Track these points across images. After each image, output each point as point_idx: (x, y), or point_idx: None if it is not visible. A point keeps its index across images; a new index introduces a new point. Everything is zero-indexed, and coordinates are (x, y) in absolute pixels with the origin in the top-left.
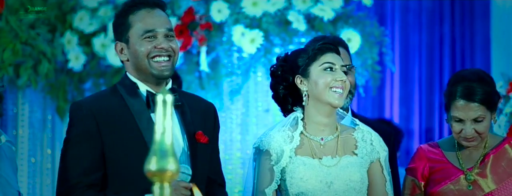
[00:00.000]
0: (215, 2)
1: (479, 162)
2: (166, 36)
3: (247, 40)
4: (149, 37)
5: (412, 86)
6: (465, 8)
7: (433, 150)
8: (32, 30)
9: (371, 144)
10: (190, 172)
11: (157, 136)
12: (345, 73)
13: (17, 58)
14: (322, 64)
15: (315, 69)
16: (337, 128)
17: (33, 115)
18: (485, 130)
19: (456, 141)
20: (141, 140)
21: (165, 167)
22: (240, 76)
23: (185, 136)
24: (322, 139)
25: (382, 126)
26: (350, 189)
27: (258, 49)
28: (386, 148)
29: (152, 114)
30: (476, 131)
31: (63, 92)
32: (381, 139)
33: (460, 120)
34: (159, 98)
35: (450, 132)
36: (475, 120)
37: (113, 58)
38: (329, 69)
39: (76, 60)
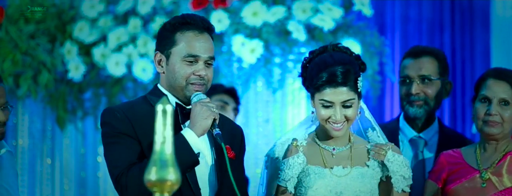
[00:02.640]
0: (215, 12)
1: (496, 162)
2: (206, 62)
3: (247, 50)
4: (190, 61)
5: None
6: (465, 18)
7: (453, 154)
8: (32, 40)
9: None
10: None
11: (157, 146)
12: (425, 80)
13: (17, 68)
14: (321, 100)
15: (316, 99)
16: (350, 139)
17: (33, 125)
18: (509, 117)
19: (477, 145)
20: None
21: (165, 177)
22: (240, 86)
23: (213, 149)
24: (334, 149)
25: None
26: None
27: (258, 59)
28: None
29: (182, 126)
30: (501, 116)
31: (63, 102)
32: (403, 159)
33: (487, 99)
34: (159, 108)
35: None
36: (503, 103)
37: (113, 68)
38: (326, 106)
39: (76, 70)
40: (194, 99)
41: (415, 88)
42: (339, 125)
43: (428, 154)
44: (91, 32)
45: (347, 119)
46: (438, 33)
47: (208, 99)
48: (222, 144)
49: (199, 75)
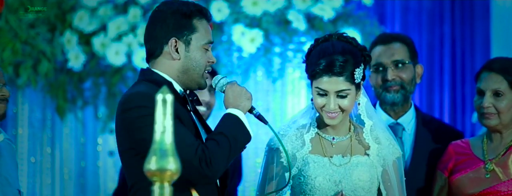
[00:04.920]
0: (215, 1)
1: (501, 153)
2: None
3: (247, 40)
4: (206, 49)
5: None
6: (465, 8)
7: (461, 144)
8: (31, 30)
9: (379, 143)
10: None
11: (157, 135)
12: (398, 65)
13: (16, 57)
14: (316, 87)
15: (313, 87)
16: (350, 129)
17: (33, 115)
18: (505, 108)
19: (485, 136)
20: (198, 134)
21: (165, 167)
22: (240, 75)
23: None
24: (333, 138)
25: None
26: (359, 188)
27: (258, 48)
28: (397, 151)
29: (192, 113)
30: (495, 107)
31: (63, 91)
32: (392, 141)
33: (481, 91)
34: (159, 97)
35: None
36: (496, 94)
37: (113, 58)
38: (321, 94)
39: (76, 59)
40: (222, 81)
41: (390, 74)
42: (333, 114)
43: (407, 140)
44: (91, 22)
45: (341, 109)
46: (438, 23)
47: (235, 82)
48: (268, 124)
49: (212, 62)
